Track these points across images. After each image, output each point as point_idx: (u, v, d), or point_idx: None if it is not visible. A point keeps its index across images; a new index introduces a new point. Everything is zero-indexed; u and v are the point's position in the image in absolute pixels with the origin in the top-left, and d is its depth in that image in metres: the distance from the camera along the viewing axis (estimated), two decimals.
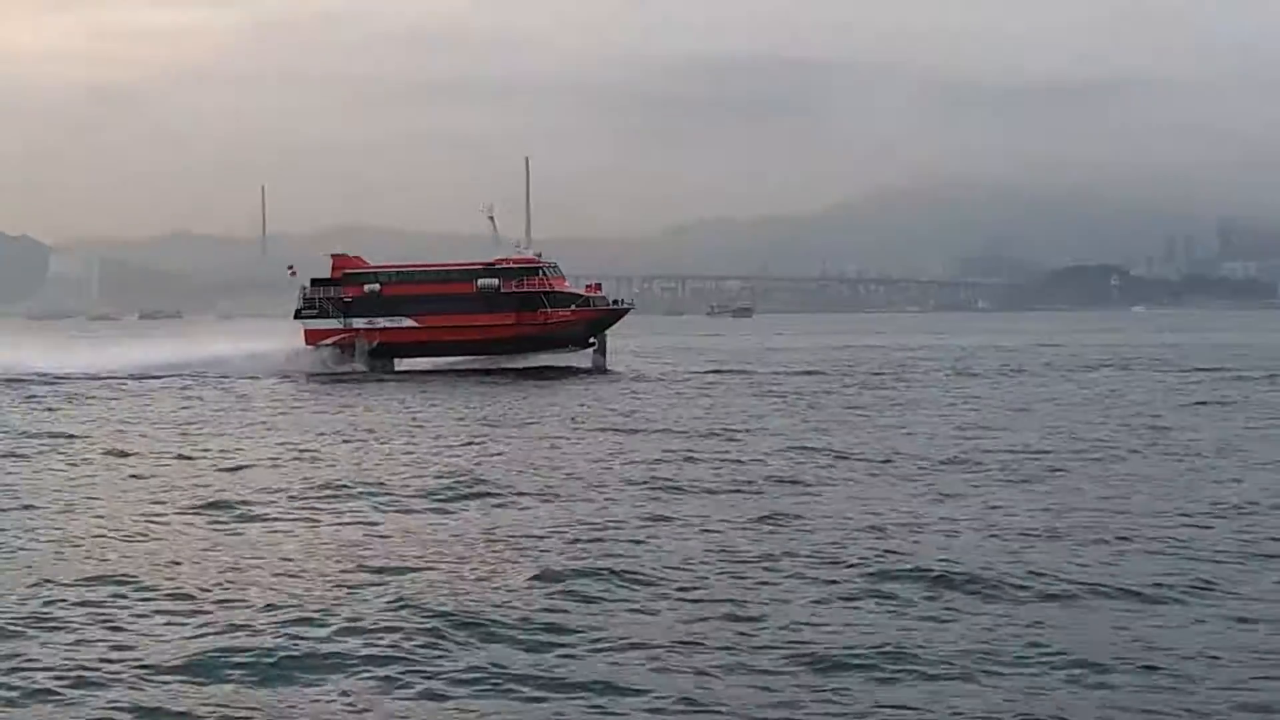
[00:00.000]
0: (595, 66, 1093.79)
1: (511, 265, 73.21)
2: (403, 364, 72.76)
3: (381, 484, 27.26)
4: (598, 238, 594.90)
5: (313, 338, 73.20)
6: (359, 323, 72.94)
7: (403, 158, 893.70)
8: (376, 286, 73.48)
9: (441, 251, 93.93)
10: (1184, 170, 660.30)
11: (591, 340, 73.18)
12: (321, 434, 38.59)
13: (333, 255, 76.28)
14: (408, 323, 72.66)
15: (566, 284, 74.25)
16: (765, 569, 18.31)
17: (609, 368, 71.74)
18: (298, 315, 74.32)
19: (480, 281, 72.41)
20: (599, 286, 76.80)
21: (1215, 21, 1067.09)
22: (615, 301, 76.10)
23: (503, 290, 72.01)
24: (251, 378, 66.19)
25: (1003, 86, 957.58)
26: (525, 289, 71.80)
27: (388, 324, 72.73)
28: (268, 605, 16.52)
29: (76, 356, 76.52)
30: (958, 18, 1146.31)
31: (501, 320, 71.62)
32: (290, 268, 78.76)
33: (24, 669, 14.12)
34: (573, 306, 72.18)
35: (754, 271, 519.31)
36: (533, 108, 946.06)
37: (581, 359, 72.95)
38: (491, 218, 77.57)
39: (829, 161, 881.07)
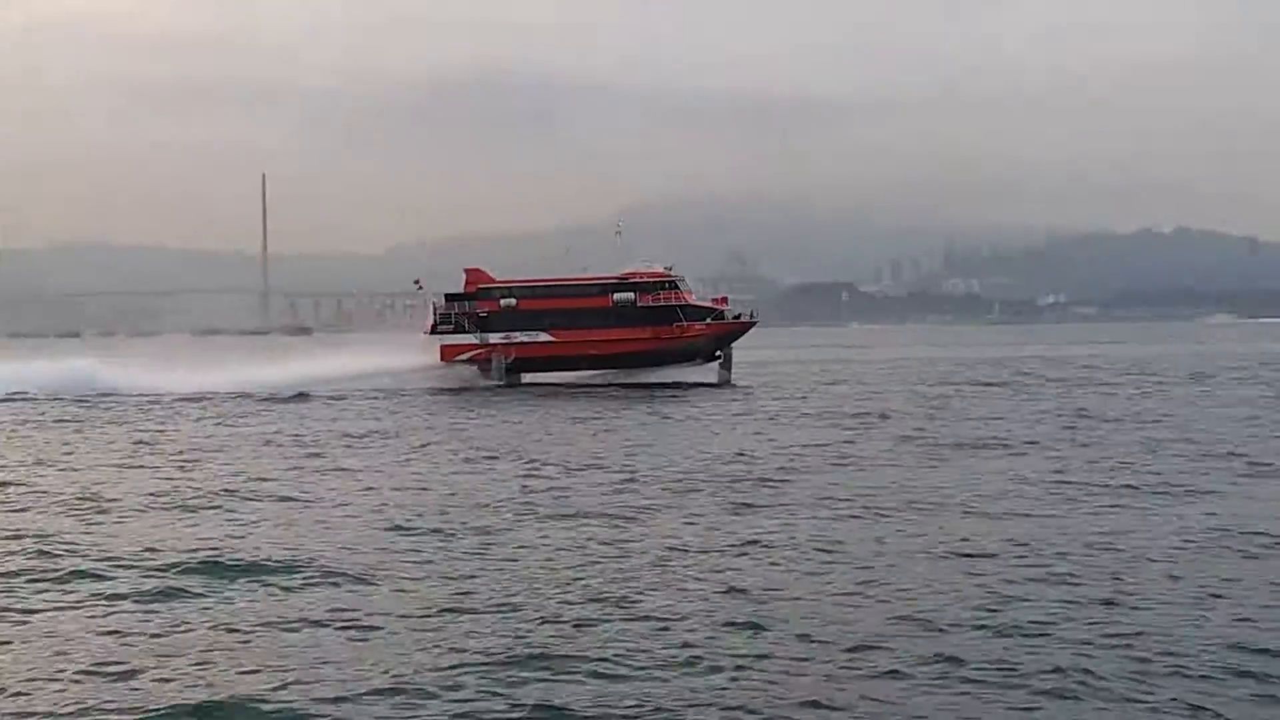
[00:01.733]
0: (340, 80, 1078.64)
1: (645, 279, 76.73)
2: (528, 378, 75.42)
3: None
4: (343, 251, 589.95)
5: (449, 353, 75.35)
6: (495, 337, 75.72)
7: (140, 168, 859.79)
8: (513, 301, 76.37)
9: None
10: (912, 190, 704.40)
11: (717, 354, 77.64)
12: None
13: (466, 269, 78.81)
14: (544, 337, 75.51)
15: (693, 297, 79.17)
16: None
17: (734, 381, 74.94)
18: (434, 330, 76.78)
19: (616, 296, 76.22)
20: (725, 300, 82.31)
21: (944, 47, 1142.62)
22: (737, 316, 79.82)
23: (638, 304, 76.07)
24: (401, 392, 69.71)
25: (741, 104, 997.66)
26: (660, 302, 75.91)
27: (524, 339, 75.63)
28: None
29: (221, 373, 75.99)
30: (696, 37, 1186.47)
31: (638, 334, 75.16)
32: (417, 281, 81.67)
33: None
34: (708, 320, 76.36)
35: None
36: (277, 120, 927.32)
37: (707, 373, 76.34)
38: (619, 232, 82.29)
39: (570, 179, 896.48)
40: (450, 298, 77.65)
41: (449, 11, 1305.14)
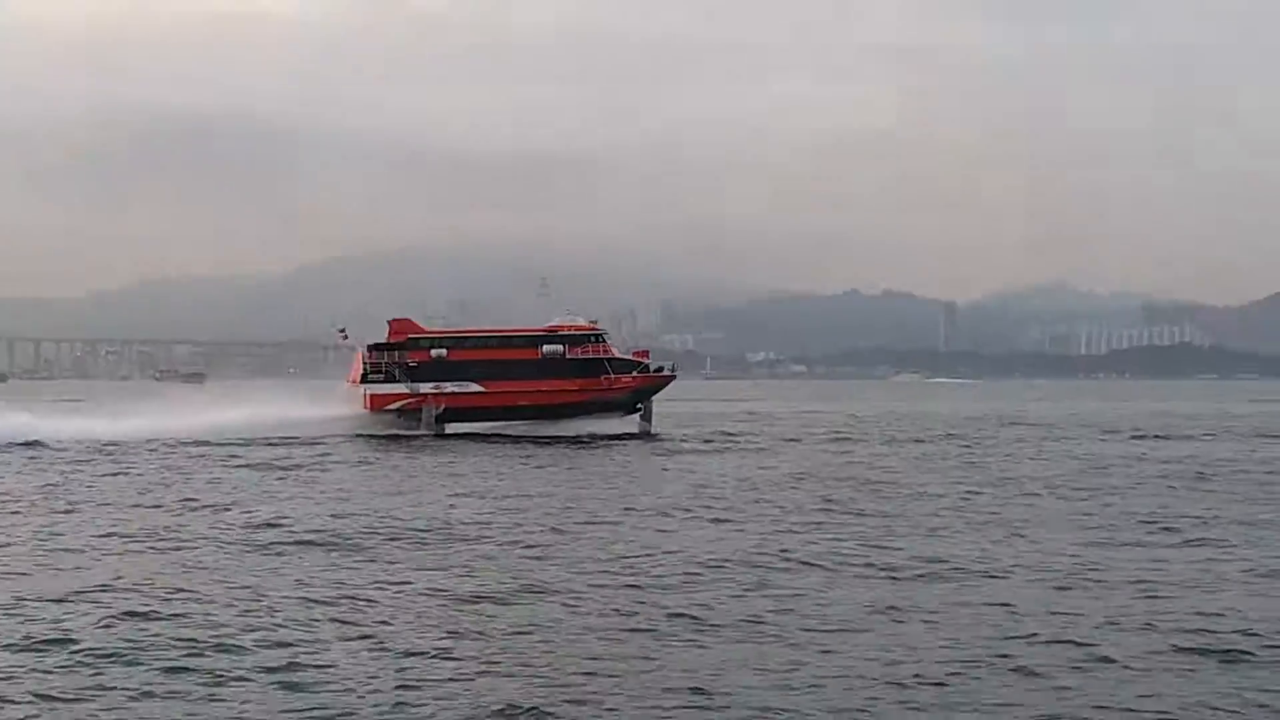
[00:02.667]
0: (58, 119, 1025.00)
1: (572, 332, 79.11)
2: (451, 427, 75.88)
3: None
4: (42, 297, 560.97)
5: (377, 402, 75.82)
6: (425, 387, 76.37)
7: None
8: (443, 351, 77.26)
9: None
10: (633, 246, 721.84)
11: (638, 406, 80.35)
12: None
13: (391, 320, 79.22)
14: (474, 388, 76.71)
15: (617, 350, 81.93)
16: None
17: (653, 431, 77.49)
18: (364, 379, 77.12)
19: (545, 347, 78.31)
20: (647, 353, 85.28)
21: (669, 109, 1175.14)
22: (659, 369, 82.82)
23: (567, 356, 78.30)
24: (328, 439, 69.94)
25: (466, 159, 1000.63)
26: (589, 355, 78.40)
27: (454, 389, 76.59)
28: None
29: (139, 420, 74.32)
30: (426, 91, 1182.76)
31: (567, 386, 76.94)
32: (341, 330, 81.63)
33: None
34: (634, 373, 79.06)
35: (213, 336, 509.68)
36: None
37: (629, 424, 78.54)
38: (544, 285, 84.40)
39: (294, 225, 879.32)
40: (377, 347, 77.88)
41: (158, 53, 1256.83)
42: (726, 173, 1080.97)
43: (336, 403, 78.84)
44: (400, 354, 77.32)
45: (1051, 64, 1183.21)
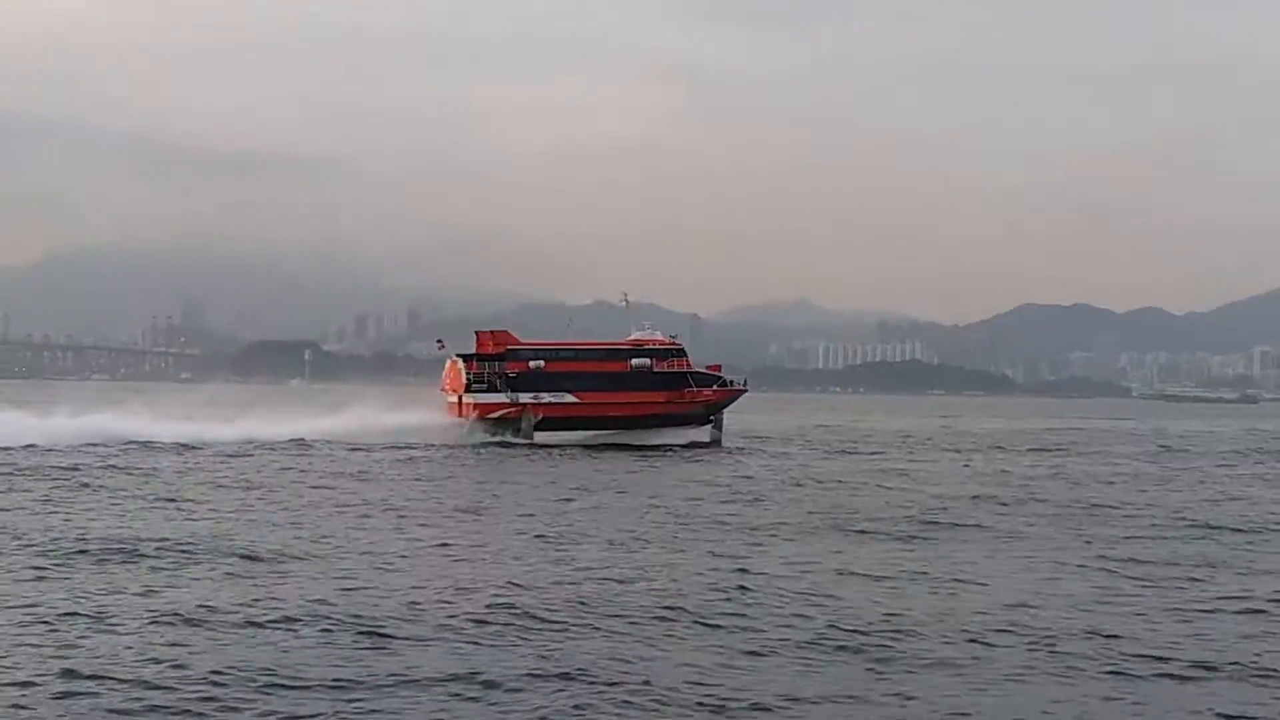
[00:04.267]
0: None
1: (658, 346, 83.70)
2: (543, 436, 79.02)
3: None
4: None
5: (482, 411, 79.25)
6: (525, 397, 79.84)
7: None
8: (541, 363, 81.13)
9: None
10: (378, 250, 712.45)
11: (711, 417, 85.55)
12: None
13: (492, 331, 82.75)
14: (569, 398, 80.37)
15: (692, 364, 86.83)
16: None
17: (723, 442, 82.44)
18: (468, 389, 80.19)
19: (634, 361, 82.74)
20: (719, 367, 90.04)
21: (423, 113, 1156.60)
22: (732, 382, 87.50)
23: (654, 369, 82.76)
24: (448, 446, 73.73)
25: (204, 154, 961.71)
26: (673, 369, 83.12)
27: (551, 399, 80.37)
28: None
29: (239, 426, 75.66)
30: (165, 82, 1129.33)
31: (654, 398, 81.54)
32: (439, 340, 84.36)
33: None
34: (714, 387, 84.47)
35: None
36: None
37: (701, 434, 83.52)
38: (625, 298, 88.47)
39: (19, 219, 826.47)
40: (481, 358, 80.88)
41: None
42: (474, 178, 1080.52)
43: (435, 410, 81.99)
44: (500, 365, 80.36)
45: (805, 80, 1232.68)
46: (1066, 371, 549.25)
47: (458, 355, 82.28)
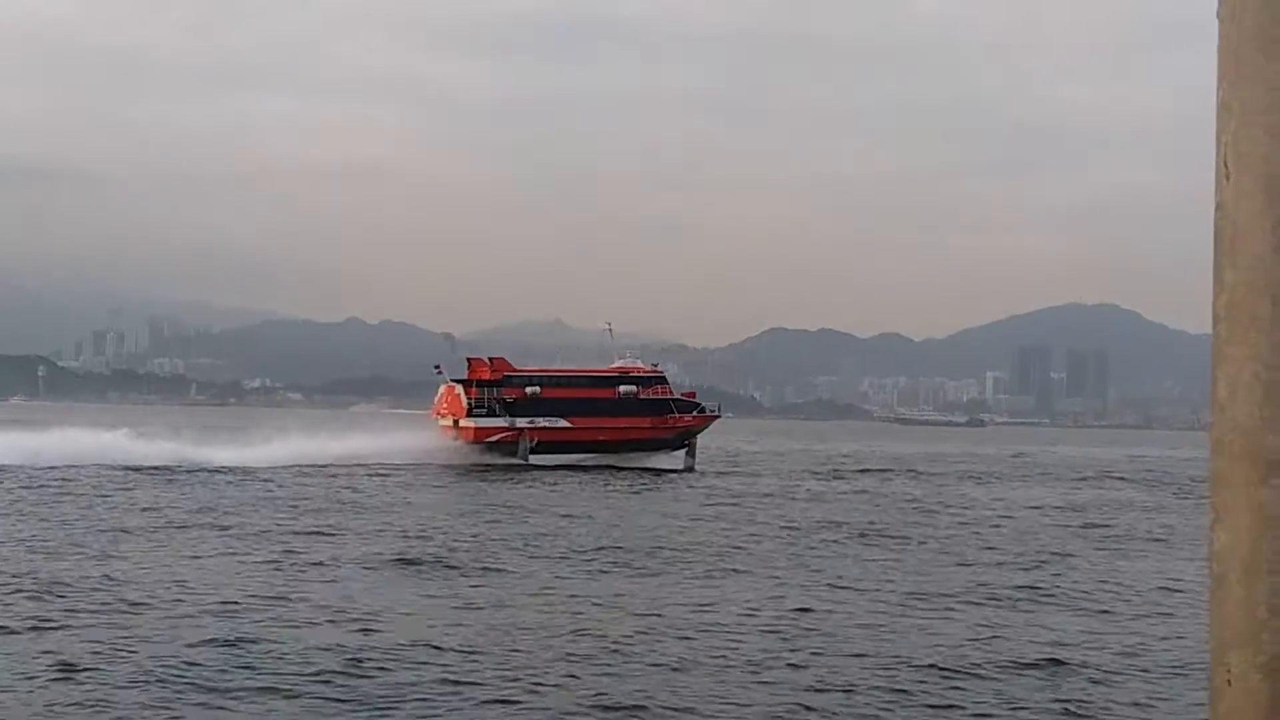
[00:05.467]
0: None
1: (642, 374, 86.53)
2: (537, 458, 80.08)
3: None
4: None
5: (481, 434, 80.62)
6: (522, 421, 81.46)
7: None
8: (537, 389, 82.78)
9: None
10: (115, 266, 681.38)
11: (685, 442, 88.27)
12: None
13: (490, 358, 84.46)
14: (562, 423, 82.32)
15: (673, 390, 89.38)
16: None
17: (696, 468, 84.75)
18: (469, 414, 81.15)
19: (621, 388, 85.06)
20: (694, 394, 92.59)
21: (150, 125, 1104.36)
22: (707, 409, 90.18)
23: (639, 396, 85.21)
24: (450, 468, 75.52)
25: None
26: (657, 395, 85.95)
27: (546, 424, 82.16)
28: None
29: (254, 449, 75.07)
30: None
31: (640, 423, 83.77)
32: (437, 367, 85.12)
33: None
34: (695, 413, 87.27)
35: None
36: None
37: (675, 460, 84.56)
38: (609, 329, 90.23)
39: None
40: (480, 384, 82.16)
41: None
42: (221, 194, 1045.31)
43: (431, 434, 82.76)
44: (499, 390, 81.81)
45: (554, 109, 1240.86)
46: (812, 394, 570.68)
47: (454, 381, 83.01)
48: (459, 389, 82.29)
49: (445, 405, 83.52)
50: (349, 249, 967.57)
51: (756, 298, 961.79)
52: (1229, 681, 1.67)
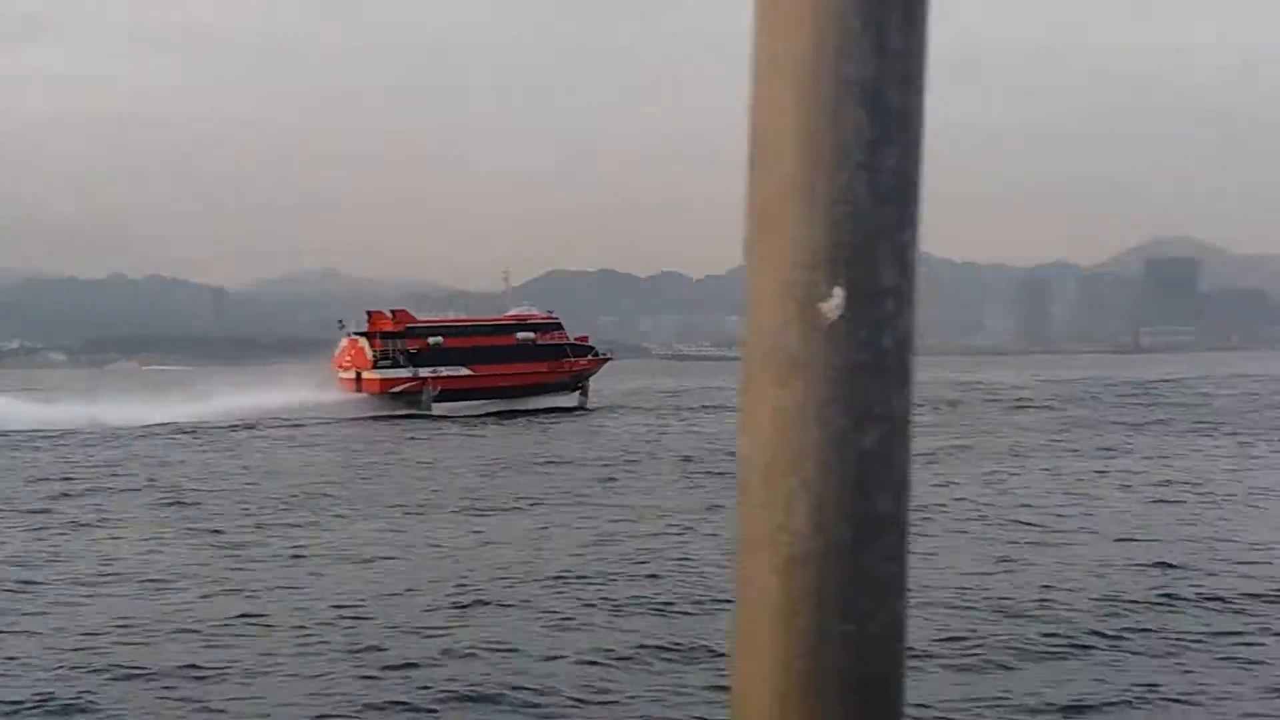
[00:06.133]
0: None
1: (539, 321, 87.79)
2: (440, 407, 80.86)
3: None
4: None
5: (385, 385, 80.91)
6: (425, 371, 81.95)
7: None
8: (440, 339, 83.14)
9: None
10: None
11: (579, 384, 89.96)
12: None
13: (393, 310, 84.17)
14: (464, 371, 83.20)
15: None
16: None
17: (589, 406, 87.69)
18: (375, 365, 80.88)
19: (519, 335, 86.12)
20: (587, 338, 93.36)
21: None
22: (598, 353, 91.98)
23: (537, 342, 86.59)
24: (355, 420, 75.56)
25: None
26: (553, 341, 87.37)
27: (449, 372, 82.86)
28: None
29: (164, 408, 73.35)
30: None
31: (538, 368, 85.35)
32: (340, 321, 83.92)
33: None
34: (589, 356, 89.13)
35: None
36: None
37: (571, 400, 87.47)
38: (506, 277, 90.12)
39: None
40: (381, 335, 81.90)
41: None
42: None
43: (335, 386, 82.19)
44: (402, 342, 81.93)
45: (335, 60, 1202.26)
46: (595, 334, 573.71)
47: (356, 334, 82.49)
48: (362, 341, 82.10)
49: (348, 358, 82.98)
50: (108, 202, 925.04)
51: (535, 240, 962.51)
52: (748, 582, 1.66)
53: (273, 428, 68.51)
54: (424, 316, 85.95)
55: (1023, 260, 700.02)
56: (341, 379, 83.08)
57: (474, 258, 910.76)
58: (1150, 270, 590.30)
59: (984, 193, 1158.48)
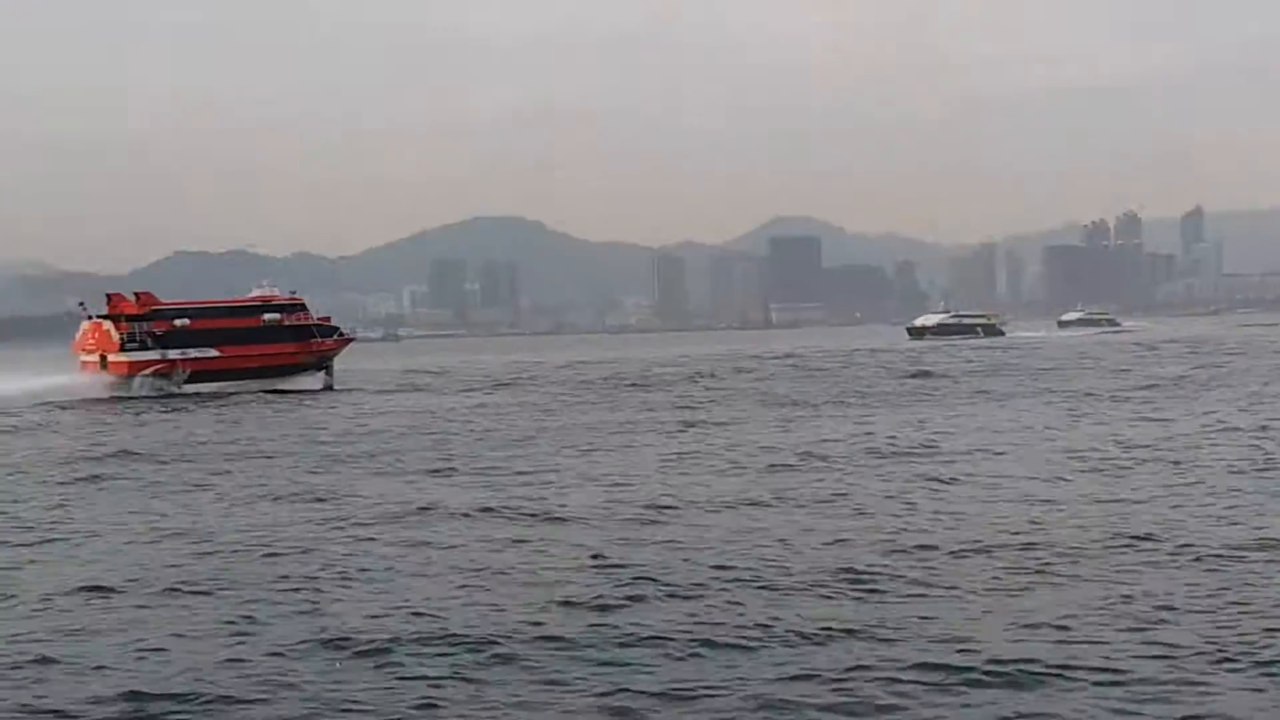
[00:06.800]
0: None
1: (285, 302, 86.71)
2: (192, 388, 79.81)
3: None
4: None
5: (135, 368, 79.39)
6: (173, 353, 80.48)
7: None
8: (186, 321, 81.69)
9: None
10: None
11: (324, 365, 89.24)
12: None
13: (136, 293, 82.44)
14: (213, 352, 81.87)
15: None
16: None
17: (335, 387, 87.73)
18: (122, 348, 78.75)
19: (265, 316, 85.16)
20: (329, 319, 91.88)
21: None
22: (342, 333, 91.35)
23: (284, 323, 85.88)
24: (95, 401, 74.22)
25: None
26: (300, 322, 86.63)
27: (197, 354, 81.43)
28: None
29: None
30: None
31: (286, 349, 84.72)
32: (81, 303, 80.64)
33: None
34: (335, 337, 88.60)
35: None
36: None
37: (315, 381, 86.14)
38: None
39: None
40: (130, 318, 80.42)
41: None
42: None
43: (77, 370, 79.93)
44: (148, 324, 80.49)
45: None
46: None
47: (99, 317, 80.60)
48: (108, 325, 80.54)
49: (92, 341, 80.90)
50: None
51: (155, 221, 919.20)
52: None
53: (27, 411, 65.12)
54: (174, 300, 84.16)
55: (656, 240, 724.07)
56: (84, 362, 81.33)
57: (92, 239, 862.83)
58: (775, 248, 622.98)
59: (614, 173, 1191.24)
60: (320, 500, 29.83)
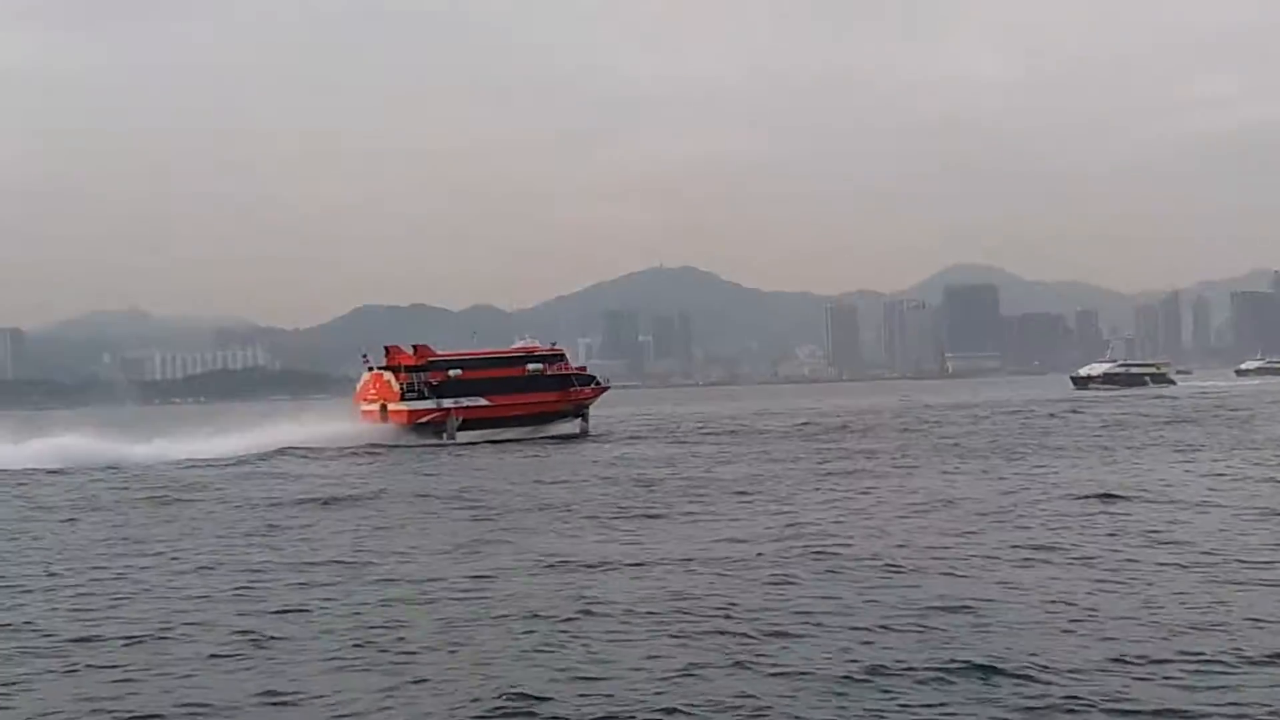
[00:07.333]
0: None
1: (547, 353, 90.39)
2: (462, 435, 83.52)
3: None
4: None
5: (413, 417, 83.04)
6: (448, 402, 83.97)
7: None
8: (459, 372, 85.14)
9: None
10: None
11: (581, 412, 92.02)
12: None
13: (414, 346, 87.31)
14: (483, 401, 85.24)
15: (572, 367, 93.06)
16: None
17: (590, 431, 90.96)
18: (402, 398, 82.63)
19: (529, 366, 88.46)
20: (585, 369, 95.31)
21: None
22: (598, 382, 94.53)
23: (546, 373, 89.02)
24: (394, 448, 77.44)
25: None
26: (561, 372, 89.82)
27: (469, 403, 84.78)
28: None
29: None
30: None
31: (548, 398, 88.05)
32: (364, 355, 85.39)
33: None
34: (592, 385, 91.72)
35: None
36: None
37: (573, 426, 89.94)
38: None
39: None
40: (409, 369, 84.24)
41: None
42: None
43: (358, 418, 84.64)
44: (425, 375, 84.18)
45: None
46: None
47: (379, 369, 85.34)
48: (388, 375, 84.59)
49: (373, 391, 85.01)
50: None
51: (343, 276, 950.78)
52: None
53: (332, 459, 68.73)
54: (446, 351, 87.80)
55: (828, 289, 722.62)
56: (365, 411, 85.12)
57: (280, 294, 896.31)
58: (950, 297, 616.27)
59: (786, 221, 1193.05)
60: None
